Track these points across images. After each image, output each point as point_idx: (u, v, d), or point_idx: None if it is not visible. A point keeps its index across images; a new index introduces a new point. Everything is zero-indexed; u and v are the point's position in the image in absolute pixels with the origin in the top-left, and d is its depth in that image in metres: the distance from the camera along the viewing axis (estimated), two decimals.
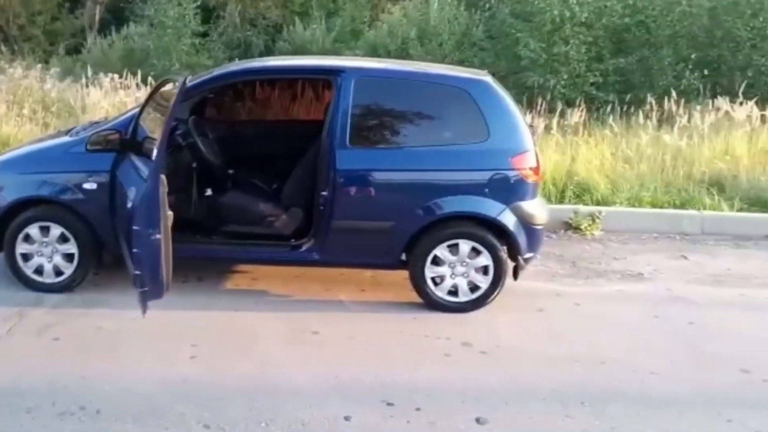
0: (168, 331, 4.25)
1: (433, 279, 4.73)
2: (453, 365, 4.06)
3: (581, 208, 6.78)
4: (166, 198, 3.66)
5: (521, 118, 4.88)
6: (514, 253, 4.77)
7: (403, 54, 13.39)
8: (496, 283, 4.73)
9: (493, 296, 4.76)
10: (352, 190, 4.64)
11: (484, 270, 4.72)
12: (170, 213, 3.73)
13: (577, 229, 6.65)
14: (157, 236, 3.59)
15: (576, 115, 8.50)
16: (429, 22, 14.10)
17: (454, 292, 4.75)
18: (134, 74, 10.74)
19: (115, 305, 4.52)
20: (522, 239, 4.72)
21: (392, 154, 4.75)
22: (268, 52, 15.54)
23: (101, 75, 10.63)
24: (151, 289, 3.68)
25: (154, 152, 3.76)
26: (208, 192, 5.19)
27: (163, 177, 3.64)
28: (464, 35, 13.53)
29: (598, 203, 7.04)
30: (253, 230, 4.89)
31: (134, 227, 3.62)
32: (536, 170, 4.78)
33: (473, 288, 4.75)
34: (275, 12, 16.73)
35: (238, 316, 4.56)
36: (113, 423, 3.29)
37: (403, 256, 4.74)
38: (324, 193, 4.61)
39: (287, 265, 5.09)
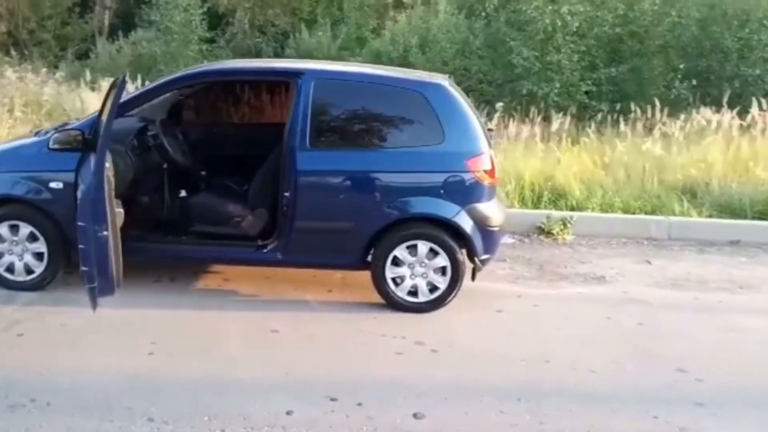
0: (131, 329, 4.34)
1: (393, 279, 4.80)
2: (402, 363, 4.12)
3: (553, 213, 6.83)
4: (113, 195, 3.72)
5: (477, 121, 4.94)
6: (471, 254, 4.83)
7: (404, 61, 13.55)
8: (454, 283, 4.79)
9: (451, 296, 4.83)
10: (313, 191, 4.72)
11: (442, 271, 4.78)
12: (120, 210, 3.80)
13: (549, 233, 6.69)
14: (104, 233, 3.66)
15: (559, 123, 8.53)
16: (430, 31, 14.23)
17: (413, 292, 4.82)
18: (143, 79, 10.79)
19: (83, 303, 4.46)
20: (478, 241, 4.78)
21: (351, 156, 4.81)
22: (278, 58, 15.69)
23: (104, 80, 10.75)
24: (101, 286, 3.76)
25: (97, 149, 3.81)
26: (182, 193, 5.29)
27: (108, 174, 3.70)
28: (464, 43, 13.60)
29: (572, 209, 7.09)
30: (220, 231, 4.98)
31: (79, 223, 3.70)
32: (491, 173, 4.84)
33: (432, 288, 4.81)
34: (284, 19, 16.89)
35: (202, 315, 4.64)
36: (61, 415, 3.38)
37: (367, 257, 4.81)
38: (286, 194, 4.69)
39: (253, 265, 5.17)
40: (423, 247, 4.76)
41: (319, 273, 5.33)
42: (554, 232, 6.67)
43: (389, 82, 5.13)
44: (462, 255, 4.79)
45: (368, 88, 5.00)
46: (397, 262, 4.78)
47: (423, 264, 4.79)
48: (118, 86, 3.91)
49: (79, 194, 4.08)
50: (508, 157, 7.79)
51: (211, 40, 15.92)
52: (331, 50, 15.29)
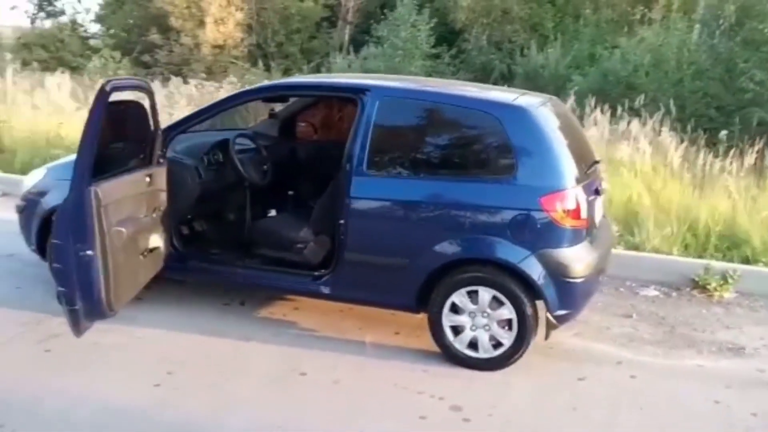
0: (155, 355, 4.06)
1: (453, 328, 4.06)
2: (416, 428, 3.41)
3: (713, 264, 5.47)
4: (102, 211, 3.42)
5: (565, 153, 4.02)
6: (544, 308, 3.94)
7: (630, 81, 12.41)
8: (521, 340, 3.94)
9: (517, 355, 3.97)
10: (365, 220, 4.15)
11: (508, 324, 3.95)
12: (121, 229, 3.53)
13: (704, 288, 5.38)
14: (89, 252, 3.39)
15: (751, 157, 6.97)
16: (663, 49, 12.82)
17: (474, 345, 4.04)
18: None
19: (129, 321, 4.38)
20: (551, 292, 3.88)
21: (410, 184, 4.14)
22: (510, 76, 15.10)
23: None
24: (86, 309, 3.50)
25: (75, 164, 3.49)
26: (271, 213, 5.02)
27: (94, 189, 3.39)
28: (696, 64, 12.00)
29: (745, 261, 5.66)
30: (284, 256, 4.53)
31: (54, 241, 3.49)
32: (575, 213, 3.91)
33: (496, 344, 4.00)
34: (522, 35, 16.16)
35: (240, 346, 4.24)
36: None
37: (424, 300, 4.10)
38: (341, 221, 4.18)
39: (306, 297, 4.66)
40: (485, 294, 3.97)
41: (399, 312, 4.65)
42: (710, 287, 5.34)
43: (461, 102, 4.36)
44: (531, 308, 3.91)
45: (437, 108, 4.29)
46: (456, 308, 4.03)
47: (485, 314, 3.99)
48: (98, 94, 3.52)
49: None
50: (682, 193, 6.52)
51: (436, 56, 15.68)
52: (559, 68, 14.39)
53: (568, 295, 3.93)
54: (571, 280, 3.91)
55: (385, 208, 4.15)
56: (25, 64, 15.86)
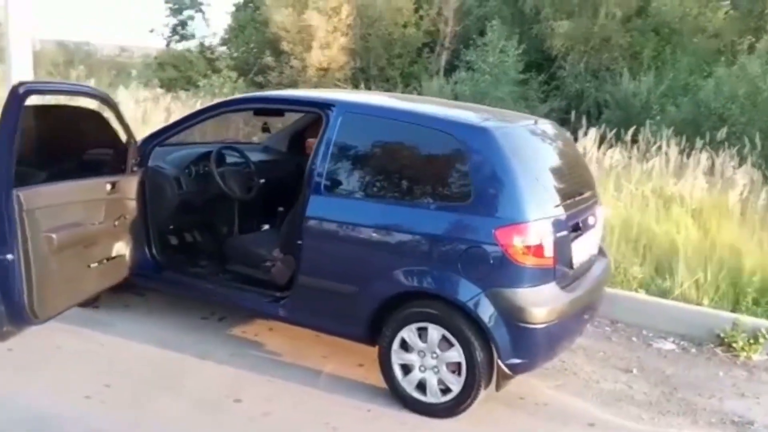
0: (108, 365, 3.82)
1: (403, 366, 3.56)
2: None
3: (745, 319, 4.58)
4: (26, 216, 3.16)
5: (531, 182, 3.44)
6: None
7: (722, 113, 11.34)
8: (470, 388, 3.39)
9: (466, 404, 3.43)
10: (319, 242, 3.73)
11: (457, 368, 3.41)
12: (51, 235, 3.27)
13: (730, 346, 4.51)
14: (8, 257, 3.15)
15: None
16: (761, 79, 11.59)
17: (423, 388, 3.51)
18: None
19: (103, 328, 4.21)
20: (503, 338, 3.30)
21: (363, 207, 3.68)
22: (603, 104, 14.24)
23: None
24: (7, 313, 3.26)
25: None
26: (266, 227, 4.69)
27: (16, 194, 3.13)
28: None
29: None
30: (254, 274, 4.16)
31: None
32: (537, 250, 3.31)
33: (445, 389, 3.46)
34: (621, 63, 15.24)
35: (194, 364, 3.90)
36: None
37: (376, 332, 3.61)
38: (299, 242, 3.78)
39: (266, 318, 4.27)
40: (434, 332, 3.45)
41: None
42: (737, 345, 4.47)
43: (422, 120, 3.79)
44: (483, 353, 3.35)
45: (399, 127, 3.76)
46: (405, 345, 3.53)
47: (434, 355, 3.47)
48: (8, 98, 3.21)
49: None
50: (735, 236, 5.61)
51: (525, 82, 14.95)
52: (651, 97, 13.35)
53: (524, 342, 3.33)
54: (528, 326, 3.30)
55: (338, 231, 3.70)
56: (161, 81, 16.60)
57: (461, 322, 3.36)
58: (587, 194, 3.95)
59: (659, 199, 6.41)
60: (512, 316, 3.28)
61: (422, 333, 3.47)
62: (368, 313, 3.57)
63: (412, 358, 3.52)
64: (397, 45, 17.55)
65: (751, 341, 4.45)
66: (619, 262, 5.27)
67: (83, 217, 3.64)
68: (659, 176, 7.20)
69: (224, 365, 3.90)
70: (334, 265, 3.72)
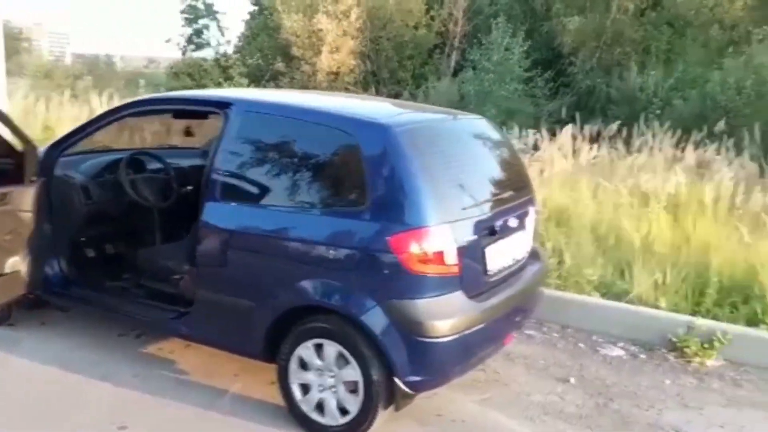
0: None
1: (303, 386, 3.23)
2: None
3: (701, 322, 4.13)
4: None
5: (434, 184, 3.03)
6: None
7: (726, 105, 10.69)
8: (368, 409, 3.04)
9: (364, 426, 3.08)
10: (214, 253, 3.41)
11: (355, 387, 3.06)
12: None
13: (682, 352, 4.07)
14: None
15: None
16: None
17: (322, 409, 3.18)
18: None
19: (8, 345, 3.95)
20: (399, 354, 2.94)
21: (258, 215, 3.32)
22: (610, 100, 13.64)
23: None
24: None
25: None
26: None
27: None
28: None
29: (752, 322, 4.24)
30: (163, 288, 3.86)
31: None
32: (437, 258, 2.94)
33: (344, 410, 3.12)
34: (635, 57, 14.58)
35: (90, 386, 3.56)
36: None
37: (274, 350, 3.27)
38: (197, 252, 3.46)
39: (170, 335, 3.95)
40: (330, 349, 3.12)
41: None
42: (689, 351, 4.03)
43: (316, 117, 3.40)
44: (381, 370, 2.99)
45: (294, 125, 3.38)
46: (304, 364, 3.20)
47: (332, 373, 3.13)
48: None
49: None
50: (713, 234, 5.13)
51: (530, 80, 14.39)
52: (659, 91, 12.72)
53: (424, 358, 2.97)
54: (428, 340, 2.93)
55: (232, 240, 3.37)
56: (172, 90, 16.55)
57: (357, 338, 3.01)
58: (511, 195, 3.56)
59: (634, 196, 5.93)
60: (410, 331, 2.92)
61: (320, 350, 3.14)
62: (264, 329, 3.24)
63: (309, 377, 3.19)
64: (408, 47, 17.09)
65: (706, 346, 4.01)
66: (577, 264, 4.86)
67: None
68: (642, 172, 6.71)
69: (122, 387, 3.58)
70: (229, 278, 3.39)
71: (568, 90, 15.00)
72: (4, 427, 3.19)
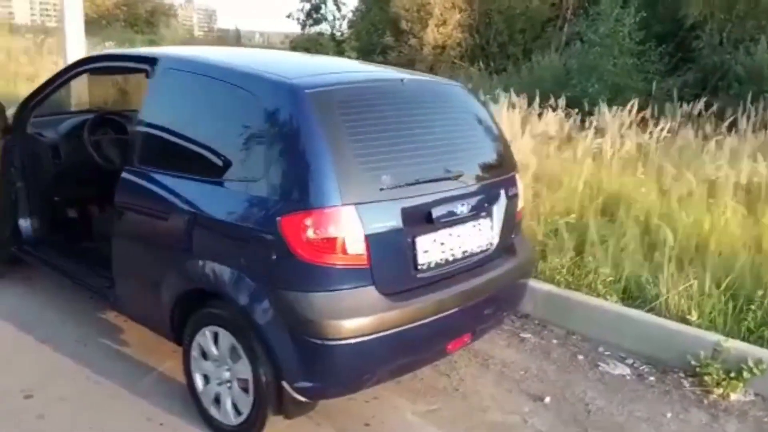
0: None
1: (204, 376, 2.77)
2: None
3: (729, 344, 3.17)
4: None
5: (343, 157, 2.41)
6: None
7: None
8: (256, 413, 2.53)
9: (256, 430, 2.54)
10: (123, 222, 3.01)
11: (246, 386, 2.54)
12: None
13: (701, 379, 3.16)
14: None
15: None
16: None
17: (219, 404, 2.70)
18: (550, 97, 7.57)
19: None
20: (287, 354, 2.40)
21: (161, 183, 2.85)
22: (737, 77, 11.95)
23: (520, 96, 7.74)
24: None
25: None
26: None
27: None
28: None
29: None
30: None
31: None
32: (336, 245, 2.34)
33: (238, 410, 2.62)
34: None
35: (29, 346, 3.32)
36: None
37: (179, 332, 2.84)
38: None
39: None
40: (225, 340, 2.63)
41: None
42: (710, 378, 3.12)
43: (226, 75, 2.79)
44: (269, 371, 2.46)
45: (205, 85, 2.85)
46: (204, 353, 2.73)
47: (227, 367, 2.63)
48: None
49: None
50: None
51: (641, 54, 12.82)
52: None
53: (316, 362, 2.40)
54: (321, 342, 2.35)
55: (138, 209, 2.96)
56: None
57: (248, 330, 2.50)
58: (472, 175, 2.85)
59: (701, 184, 4.88)
60: (300, 329, 2.36)
61: (217, 339, 2.65)
62: (169, 310, 2.80)
63: (208, 367, 2.72)
64: (519, 20, 15.82)
65: (732, 375, 3.09)
66: (597, 260, 4.02)
67: None
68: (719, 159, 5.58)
69: (58, 352, 3.29)
70: (135, 251, 3.01)
71: (690, 65, 13.30)
72: None
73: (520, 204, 3.13)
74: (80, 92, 5.03)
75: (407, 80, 2.96)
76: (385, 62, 16.53)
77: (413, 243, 2.56)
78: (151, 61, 3.07)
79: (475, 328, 2.92)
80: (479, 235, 2.85)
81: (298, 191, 2.39)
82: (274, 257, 2.39)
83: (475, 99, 3.25)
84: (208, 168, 2.72)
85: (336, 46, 18.06)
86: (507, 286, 3.02)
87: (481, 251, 2.87)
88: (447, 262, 2.70)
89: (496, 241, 2.93)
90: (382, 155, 2.55)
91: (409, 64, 15.87)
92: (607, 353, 3.49)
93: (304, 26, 20.41)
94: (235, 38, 21.24)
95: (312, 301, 2.37)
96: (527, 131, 6.00)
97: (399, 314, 2.49)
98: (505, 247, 3.02)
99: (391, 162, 2.56)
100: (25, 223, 3.76)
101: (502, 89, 8.59)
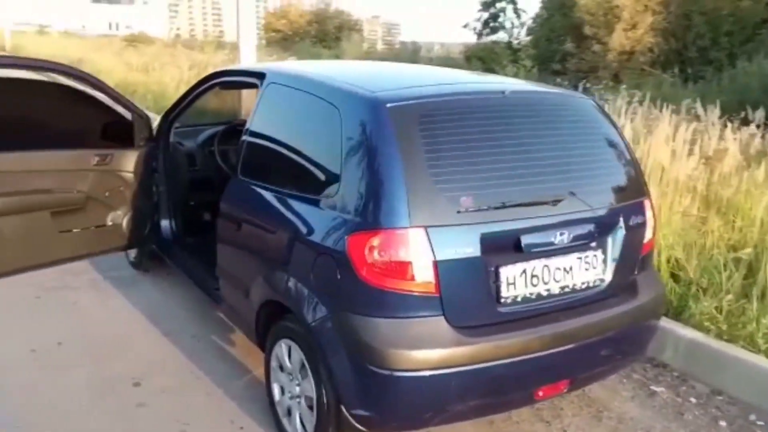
0: (80, 322, 3.65)
1: (281, 387, 2.69)
2: None
3: None
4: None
5: (422, 176, 2.17)
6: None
7: None
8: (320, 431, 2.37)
9: None
10: (228, 228, 3.02)
11: (311, 404, 2.41)
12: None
13: None
14: None
15: None
16: None
17: (290, 416, 2.61)
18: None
19: (123, 288, 4.09)
20: (346, 379, 2.24)
21: (254, 195, 2.80)
22: None
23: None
24: None
25: None
26: None
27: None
28: None
29: None
30: None
31: None
32: (402, 270, 2.12)
33: (304, 426, 2.51)
34: None
35: (151, 338, 3.51)
36: None
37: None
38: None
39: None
40: (296, 354, 2.51)
41: None
42: None
43: (310, 87, 2.72)
44: (331, 392, 2.31)
45: (297, 98, 2.77)
46: (281, 364, 2.64)
47: (297, 382, 2.51)
48: None
49: None
50: None
51: None
52: None
53: (375, 391, 2.19)
54: (381, 371, 2.14)
55: (235, 218, 2.95)
56: None
57: (314, 349, 2.35)
58: (584, 200, 2.43)
59: None
60: (359, 353, 2.18)
61: (291, 353, 2.55)
62: (253, 317, 2.76)
63: (283, 378, 2.63)
64: (727, 21, 14.11)
65: None
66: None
67: (53, 185, 3.44)
68: None
69: (175, 345, 3.44)
70: (233, 254, 3.02)
71: None
72: (54, 365, 3.25)
73: (648, 235, 2.67)
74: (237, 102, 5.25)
75: (511, 92, 2.62)
76: (564, 70, 15.70)
77: (496, 273, 2.26)
78: (260, 75, 3.08)
79: (574, 375, 2.52)
80: (585, 270, 2.45)
81: (367, 209, 2.20)
82: (339, 277, 2.23)
83: (603, 113, 2.81)
84: (291, 181, 2.66)
85: (512, 55, 17.52)
86: (622, 331, 2.56)
87: (587, 287, 2.46)
88: (539, 297, 2.35)
89: (608, 277, 2.51)
90: (463, 175, 2.26)
91: (590, 71, 14.95)
92: (759, 423, 2.85)
93: (480, 35, 20.14)
94: (413, 51, 21.50)
95: (373, 326, 2.16)
96: (701, 147, 5.24)
97: (472, 350, 2.20)
98: (623, 285, 2.58)
99: (475, 183, 2.27)
100: (164, 224, 3.97)
101: (697, 98, 7.51)
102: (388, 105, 2.32)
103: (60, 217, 3.51)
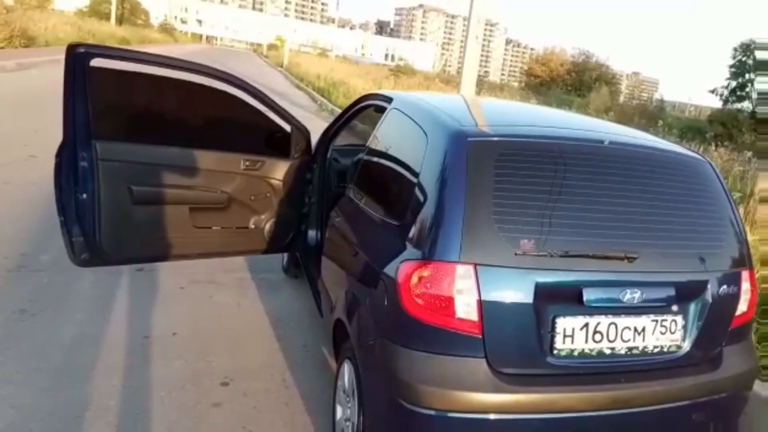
0: (215, 315, 3.85)
1: (341, 405, 2.68)
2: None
3: None
4: (101, 164, 3.19)
5: (484, 212, 2.07)
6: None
7: None
8: None
9: None
10: (328, 239, 3.22)
11: (354, 429, 2.39)
12: (132, 187, 3.31)
13: None
14: (83, 195, 3.25)
15: None
16: None
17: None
18: None
19: (266, 289, 4.23)
20: (375, 410, 2.20)
21: (356, 215, 2.87)
22: None
23: None
24: (85, 243, 3.30)
25: None
26: None
27: (94, 143, 3.14)
28: None
29: None
30: None
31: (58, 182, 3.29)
32: (443, 307, 2.03)
33: None
34: None
35: (264, 340, 3.61)
36: None
37: None
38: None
39: None
40: (349, 377, 2.51)
41: None
42: None
43: (417, 115, 2.72)
44: (365, 421, 2.26)
45: (404, 124, 2.81)
46: (344, 383, 2.64)
47: (350, 404, 2.49)
48: (68, 60, 2.98)
49: None
50: None
51: None
52: None
53: (398, 424, 2.10)
54: (408, 405, 2.05)
55: (337, 229, 3.06)
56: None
57: (358, 371, 2.33)
58: (654, 261, 2.17)
59: None
60: (391, 384, 2.11)
61: (348, 374, 2.54)
62: (330, 336, 2.81)
63: (343, 399, 2.60)
64: None
65: None
66: None
67: (197, 183, 3.60)
68: None
69: (283, 351, 3.51)
70: (326, 270, 3.12)
71: None
72: (149, 341, 3.48)
73: (742, 308, 2.30)
74: None
75: (611, 143, 2.40)
76: None
77: (552, 323, 2.07)
78: (389, 100, 3.17)
79: None
80: (661, 333, 2.15)
81: (423, 239, 2.15)
82: (386, 303, 2.19)
83: (717, 177, 2.44)
84: (379, 201, 2.71)
85: (754, 124, 16.04)
86: (697, 402, 2.22)
87: (660, 352, 2.17)
88: (600, 354, 2.11)
89: (687, 345, 2.20)
90: (529, 217, 2.12)
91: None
92: None
93: (726, 102, 18.74)
94: (659, 108, 20.80)
95: (408, 358, 2.08)
96: None
97: (515, 399, 2.03)
98: (705, 356, 2.24)
99: (540, 227, 2.11)
100: (311, 233, 4.10)
101: None
102: (469, 138, 2.26)
103: (197, 213, 3.63)
